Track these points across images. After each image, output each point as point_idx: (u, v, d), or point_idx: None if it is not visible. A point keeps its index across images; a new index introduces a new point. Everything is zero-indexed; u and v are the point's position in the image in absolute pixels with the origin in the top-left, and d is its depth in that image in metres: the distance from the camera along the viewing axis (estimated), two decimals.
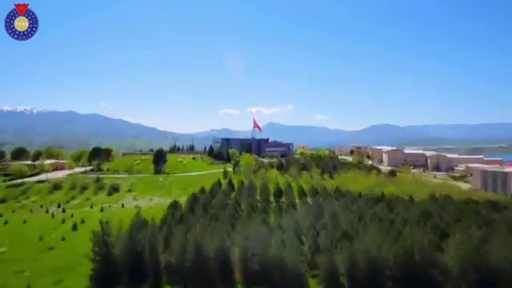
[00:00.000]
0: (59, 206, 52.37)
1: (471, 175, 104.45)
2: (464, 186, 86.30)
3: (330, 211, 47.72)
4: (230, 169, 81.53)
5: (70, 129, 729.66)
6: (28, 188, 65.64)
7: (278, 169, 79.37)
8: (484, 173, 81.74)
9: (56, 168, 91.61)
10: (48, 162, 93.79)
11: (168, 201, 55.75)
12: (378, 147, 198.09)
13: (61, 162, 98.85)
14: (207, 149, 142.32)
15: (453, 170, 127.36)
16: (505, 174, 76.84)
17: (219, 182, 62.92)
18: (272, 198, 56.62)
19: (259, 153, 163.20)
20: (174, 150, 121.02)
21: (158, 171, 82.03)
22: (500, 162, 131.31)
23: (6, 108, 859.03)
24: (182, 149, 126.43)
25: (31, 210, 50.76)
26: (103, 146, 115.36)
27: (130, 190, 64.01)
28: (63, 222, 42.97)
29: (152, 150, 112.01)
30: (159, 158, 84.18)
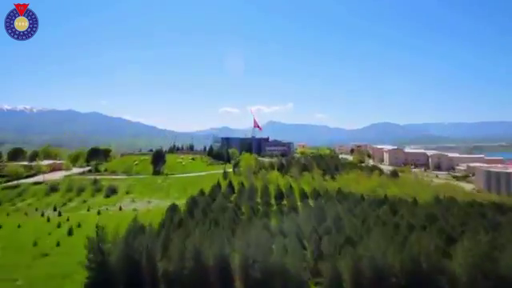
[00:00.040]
0: (55, 209, 51.25)
1: (473, 175, 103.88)
2: (467, 186, 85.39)
3: (332, 214, 46.65)
4: (230, 169, 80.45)
5: (69, 127, 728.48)
6: (24, 190, 64.53)
7: (278, 169, 78.29)
8: (487, 173, 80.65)
9: (53, 169, 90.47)
10: (45, 162, 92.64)
11: (166, 203, 54.68)
12: (379, 146, 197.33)
13: (58, 162, 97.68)
14: (207, 148, 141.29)
15: (454, 169, 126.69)
16: (509, 175, 75.83)
17: (219, 184, 61.82)
18: (273, 201, 55.56)
19: (259, 152, 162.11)
20: (174, 149, 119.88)
21: (156, 172, 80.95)
22: (501, 161, 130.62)
23: (6, 107, 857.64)
24: (182, 148, 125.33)
25: (26, 214, 49.58)
26: (102, 146, 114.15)
27: (127, 192, 62.90)
28: (59, 226, 41.86)
29: (151, 150, 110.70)
30: (158, 158, 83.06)
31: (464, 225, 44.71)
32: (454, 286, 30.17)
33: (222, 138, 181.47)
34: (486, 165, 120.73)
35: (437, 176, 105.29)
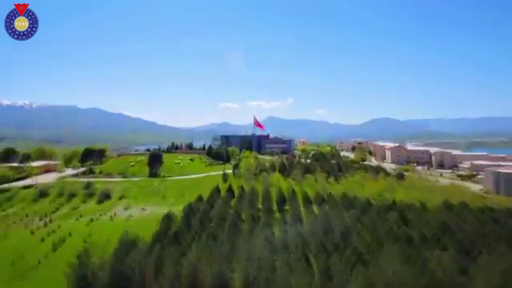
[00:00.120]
0: (41, 219, 47.87)
1: (478, 173, 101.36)
2: (473, 186, 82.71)
3: (339, 224, 43.69)
4: (230, 170, 77.25)
5: (69, 123, 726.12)
6: (13, 195, 61.13)
7: (280, 171, 75.15)
8: (496, 174, 77.63)
9: (46, 170, 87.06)
10: (38, 163, 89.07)
11: (162, 210, 51.62)
12: (381, 143, 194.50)
13: (52, 163, 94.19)
14: (206, 146, 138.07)
15: (457, 167, 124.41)
16: None
17: (218, 188, 58.70)
18: (275, 206, 52.50)
19: (259, 150, 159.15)
20: (172, 148, 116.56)
21: (153, 174, 77.70)
22: (504, 159, 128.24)
23: (6, 102, 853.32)
24: (181, 147, 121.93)
25: (8, 225, 46.28)
26: (97, 146, 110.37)
27: (122, 197, 59.54)
28: (42, 240, 38.60)
29: (148, 150, 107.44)
30: (155, 159, 79.74)
31: (479, 234, 41.97)
32: None
33: (222, 136, 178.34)
34: (489, 162, 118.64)
35: (441, 175, 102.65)
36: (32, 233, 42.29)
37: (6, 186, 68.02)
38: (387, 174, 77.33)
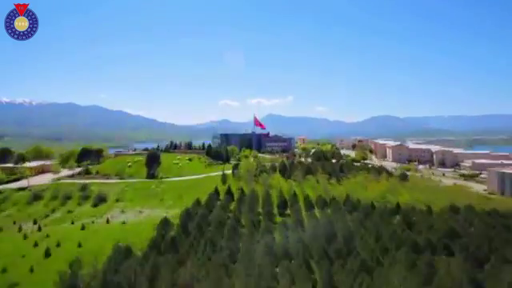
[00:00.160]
0: (35, 223, 46.37)
1: (480, 172, 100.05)
2: (476, 186, 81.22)
3: (342, 228, 42.23)
4: (229, 171, 75.56)
5: (69, 120, 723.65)
6: (6, 197, 59.50)
7: (280, 172, 73.51)
8: (501, 175, 76.09)
9: (42, 171, 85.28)
10: (33, 164, 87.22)
11: (159, 213, 50.24)
12: (382, 142, 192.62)
13: (48, 163, 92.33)
14: (206, 145, 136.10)
15: (459, 165, 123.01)
16: None
17: (216, 191, 57.12)
18: (275, 210, 51.01)
19: (259, 148, 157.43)
20: (171, 147, 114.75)
21: (151, 175, 76.00)
22: (506, 157, 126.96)
23: (5, 99, 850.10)
24: (180, 146, 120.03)
25: (1, 229, 44.81)
26: (94, 146, 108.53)
27: (118, 200, 57.95)
28: (36, 245, 37.16)
29: (147, 150, 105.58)
30: (152, 160, 77.99)
31: (486, 238, 40.58)
32: None
33: (221, 135, 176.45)
34: (491, 161, 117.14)
35: (443, 174, 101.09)
36: (25, 237, 40.95)
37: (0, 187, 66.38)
38: (390, 174, 75.78)
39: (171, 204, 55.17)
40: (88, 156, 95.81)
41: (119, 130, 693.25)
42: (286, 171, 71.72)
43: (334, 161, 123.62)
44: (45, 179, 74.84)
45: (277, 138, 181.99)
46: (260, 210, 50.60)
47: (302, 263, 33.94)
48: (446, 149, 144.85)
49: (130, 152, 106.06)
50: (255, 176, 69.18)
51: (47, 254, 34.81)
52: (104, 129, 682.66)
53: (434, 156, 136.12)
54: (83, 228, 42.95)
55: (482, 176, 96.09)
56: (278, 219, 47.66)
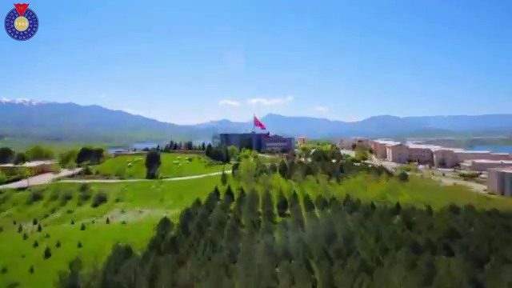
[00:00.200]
0: (35, 223, 46.35)
1: (480, 172, 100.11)
2: (476, 186, 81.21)
3: (342, 228, 42.24)
4: (229, 171, 75.52)
5: (69, 120, 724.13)
6: (6, 197, 59.43)
7: (280, 172, 73.47)
8: (501, 175, 76.07)
9: (41, 171, 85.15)
10: (33, 164, 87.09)
11: (159, 213, 50.22)
12: (382, 142, 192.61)
13: (48, 163, 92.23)
14: (206, 145, 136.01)
15: (459, 165, 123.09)
16: None
17: (216, 191, 57.11)
18: (275, 210, 51.00)
19: (259, 148, 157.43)
20: (171, 147, 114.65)
21: (151, 175, 75.96)
22: (506, 157, 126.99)
23: (5, 99, 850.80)
24: (180, 146, 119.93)
25: (1, 229, 44.81)
26: (94, 146, 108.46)
27: (118, 200, 57.89)
28: (36, 245, 37.16)
29: (147, 150, 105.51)
30: (152, 160, 77.95)
31: (486, 238, 40.58)
32: None
33: (221, 135, 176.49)
34: (491, 161, 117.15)
35: (443, 174, 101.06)
36: (25, 237, 40.92)
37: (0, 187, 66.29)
38: (390, 174, 75.77)
39: (171, 204, 55.15)
40: (88, 156, 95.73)
41: (119, 130, 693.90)
42: (286, 171, 71.71)
43: (333, 161, 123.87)
44: (45, 179, 74.83)
45: (277, 138, 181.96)
46: (260, 209, 50.60)
47: (302, 263, 33.94)
48: (446, 149, 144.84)
49: (130, 152, 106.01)
50: (255, 176, 69.16)
51: (47, 254, 34.82)
52: (104, 129, 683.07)
53: (434, 156, 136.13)
54: (83, 228, 42.97)
55: (482, 176, 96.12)
56: (278, 219, 47.67)
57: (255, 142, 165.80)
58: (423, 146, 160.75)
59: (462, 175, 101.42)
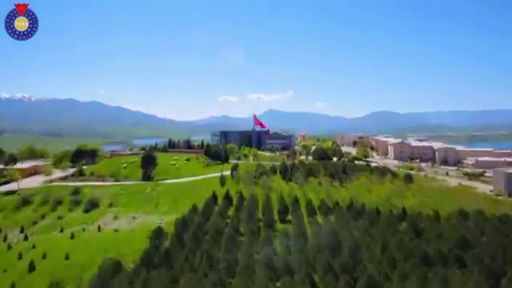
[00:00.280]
0: (22, 231, 43.83)
1: (484, 171, 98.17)
2: (482, 187, 79.02)
3: (347, 237, 39.92)
4: (228, 171, 72.99)
5: (69, 116, 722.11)
6: None
7: (281, 173, 70.93)
8: (508, 176, 73.66)
9: (34, 172, 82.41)
10: (24, 165, 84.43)
11: (154, 220, 47.87)
12: (383, 139, 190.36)
13: (40, 164, 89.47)
14: (205, 141, 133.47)
15: (461, 163, 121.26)
16: None
17: (214, 195, 54.66)
18: (276, 216, 48.57)
19: (259, 146, 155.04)
20: (169, 145, 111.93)
21: (147, 176, 73.45)
22: (509, 154, 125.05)
23: (4, 95, 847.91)
24: (178, 144, 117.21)
25: None
26: (89, 146, 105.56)
27: (111, 205, 55.31)
28: (20, 257, 34.73)
29: (143, 149, 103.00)
30: (148, 162, 75.42)
31: (499, 247, 38.28)
32: None
33: (221, 132, 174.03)
34: (494, 159, 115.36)
35: (447, 173, 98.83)
36: (9, 247, 38.49)
37: None
38: (394, 175, 73.37)
39: (166, 210, 52.66)
40: (83, 156, 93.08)
41: (119, 125, 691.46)
42: (286, 173, 69.21)
43: (335, 159, 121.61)
44: (36, 182, 72.29)
45: (277, 136, 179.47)
46: (260, 215, 48.24)
47: (304, 278, 31.62)
48: (449, 146, 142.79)
49: (126, 152, 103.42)
50: (255, 178, 66.78)
51: (31, 267, 32.35)
52: (103, 125, 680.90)
53: (437, 153, 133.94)
54: (72, 237, 40.47)
55: (487, 175, 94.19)
56: (279, 226, 45.37)
57: (255, 139, 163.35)
58: (425, 144, 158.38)
59: (466, 174, 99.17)
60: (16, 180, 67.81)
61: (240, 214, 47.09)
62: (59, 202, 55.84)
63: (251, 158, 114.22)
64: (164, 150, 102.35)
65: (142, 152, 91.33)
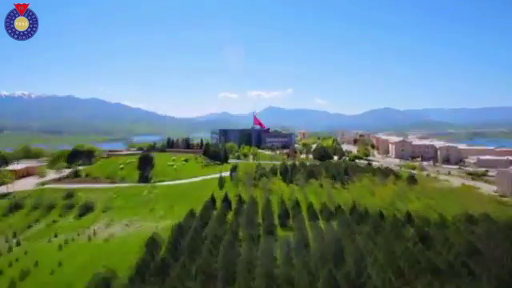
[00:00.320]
0: (7, 241, 41.38)
1: (487, 170, 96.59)
2: (486, 187, 77.45)
3: (350, 244, 38.17)
4: (228, 172, 71.14)
5: (68, 113, 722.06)
6: None
7: (281, 175, 69.10)
8: None
9: (26, 174, 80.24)
10: (17, 167, 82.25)
11: (149, 226, 46.00)
12: (384, 137, 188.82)
13: (35, 165, 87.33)
14: (205, 139, 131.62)
15: (463, 162, 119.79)
16: None
17: (213, 198, 52.84)
18: (277, 221, 46.77)
19: (259, 144, 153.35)
20: (168, 145, 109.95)
21: (144, 178, 71.47)
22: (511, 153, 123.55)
23: (4, 93, 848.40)
24: (177, 143, 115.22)
25: None
26: (86, 146, 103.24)
27: (105, 209, 53.30)
28: (1, 272, 32.57)
29: (141, 149, 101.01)
30: (145, 163, 73.50)
31: (509, 254, 36.54)
32: None
33: (220, 130, 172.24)
34: (496, 157, 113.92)
35: (449, 173, 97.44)
36: None
37: None
38: (397, 176, 71.53)
39: (162, 214, 50.67)
40: (79, 157, 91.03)
41: (119, 122, 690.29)
42: (287, 174, 67.40)
43: (335, 157, 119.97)
44: (29, 184, 70.28)
45: (277, 134, 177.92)
46: (260, 220, 46.45)
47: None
48: (451, 145, 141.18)
49: (124, 152, 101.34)
50: (254, 179, 64.97)
51: (13, 285, 29.95)
52: (103, 122, 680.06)
53: (438, 152, 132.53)
54: (60, 248, 38.26)
55: (490, 174, 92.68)
56: (280, 232, 43.57)
57: (255, 137, 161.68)
58: (427, 142, 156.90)
59: (469, 174, 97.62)
60: (7, 183, 65.68)
61: (239, 219, 45.28)
62: (51, 207, 53.58)
63: (251, 157, 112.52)
64: (162, 149, 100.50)
65: (140, 152, 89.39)
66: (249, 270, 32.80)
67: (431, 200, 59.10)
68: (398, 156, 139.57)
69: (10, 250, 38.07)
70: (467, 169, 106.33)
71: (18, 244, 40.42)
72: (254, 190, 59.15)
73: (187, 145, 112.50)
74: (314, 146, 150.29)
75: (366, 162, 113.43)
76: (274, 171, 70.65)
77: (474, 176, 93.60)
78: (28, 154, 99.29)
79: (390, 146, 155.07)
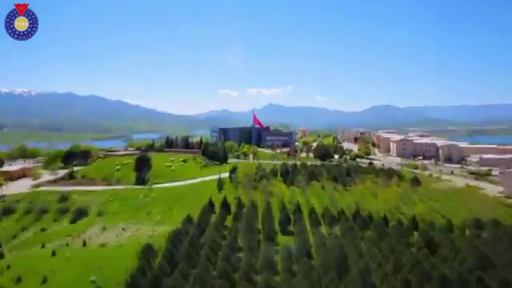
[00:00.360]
0: (0, 246, 39.98)
1: (490, 169, 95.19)
2: (490, 188, 75.94)
3: (354, 253, 36.60)
4: (227, 174, 69.30)
5: (68, 110, 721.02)
6: None
7: (282, 176, 67.34)
8: None
9: (22, 175, 78.43)
10: (12, 168, 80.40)
11: (145, 231, 44.43)
12: (385, 135, 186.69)
13: (30, 166, 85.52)
14: (204, 138, 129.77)
15: (465, 160, 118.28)
16: None
17: (211, 202, 51.17)
18: (277, 226, 45.17)
19: (259, 142, 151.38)
20: (167, 144, 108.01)
21: (141, 180, 69.69)
22: None
23: (4, 90, 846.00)
24: (176, 141, 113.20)
25: None
26: (82, 147, 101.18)
27: (100, 214, 51.62)
28: None
29: (139, 149, 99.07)
30: (142, 164, 71.75)
31: None
32: None
33: (220, 129, 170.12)
34: (498, 156, 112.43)
35: (452, 172, 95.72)
36: None
37: None
38: (400, 177, 69.86)
39: (159, 219, 49.01)
40: (75, 157, 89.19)
41: (118, 119, 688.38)
42: (288, 176, 65.68)
43: (336, 156, 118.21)
44: (24, 186, 68.52)
45: (277, 132, 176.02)
46: (260, 226, 44.84)
47: None
48: (453, 143, 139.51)
49: (121, 152, 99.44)
50: (254, 181, 63.23)
51: None
52: (103, 119, 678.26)
53: (440, 151, 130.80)
54: (54, 254, 36.78)
55: (493, 174, 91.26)
56: (281, 238, 42.01)
57: (255, 136, 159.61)
58: (428, 141, 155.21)
59: (473, 173, 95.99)
60: (1, 185, 63.87)
61: (238, 225, 43.65)
62: (45, 211, 51.83)
63: (251, 156, 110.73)
64: (160, 149, 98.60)
65: (138, 152, 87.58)
66: (248, 279, 31.41)
67: (435, 202, 57.55)
68: (400, 154, 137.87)
69: (1, 256, 36.41)
70: (470, 168, 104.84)
71: (10, 250, 38.75)
72: (253, 192, 57.51)
73: (186, 144, 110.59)
74: (314, 145, 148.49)
75: (367, 161, 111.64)
76: (274, 172, 68.90)
77: (478, 176, 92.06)
78: (24, 154, 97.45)
79: (392, 144, 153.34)
